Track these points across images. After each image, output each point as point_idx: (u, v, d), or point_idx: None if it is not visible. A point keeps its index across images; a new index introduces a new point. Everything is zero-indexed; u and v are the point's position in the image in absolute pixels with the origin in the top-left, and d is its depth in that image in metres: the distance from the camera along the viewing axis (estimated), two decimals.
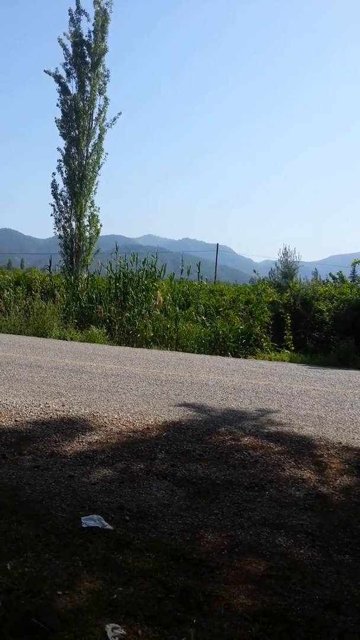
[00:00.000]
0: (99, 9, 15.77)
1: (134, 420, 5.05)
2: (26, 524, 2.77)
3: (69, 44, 15.82)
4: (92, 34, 15.78)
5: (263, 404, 6.28)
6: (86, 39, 15.81)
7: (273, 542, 2.83)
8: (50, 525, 2.79)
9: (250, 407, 6.02)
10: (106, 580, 2.29)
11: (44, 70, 15.83)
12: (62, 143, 16.03)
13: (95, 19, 15.77)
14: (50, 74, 15.83)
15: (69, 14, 15.80)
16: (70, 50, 15.85)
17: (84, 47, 15.81)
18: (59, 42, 15.73)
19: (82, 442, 4.32)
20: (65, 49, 15.83)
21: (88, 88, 15.93)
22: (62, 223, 16.14)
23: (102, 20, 15.81)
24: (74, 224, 16.18)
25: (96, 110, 16.11)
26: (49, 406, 5.34)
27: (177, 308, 13.63)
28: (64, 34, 15.76)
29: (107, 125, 16.09)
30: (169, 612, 2.09)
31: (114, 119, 16.18)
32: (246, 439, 4.66)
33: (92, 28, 15.78)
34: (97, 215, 16.09)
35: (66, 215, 16.13)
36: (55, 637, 1.88)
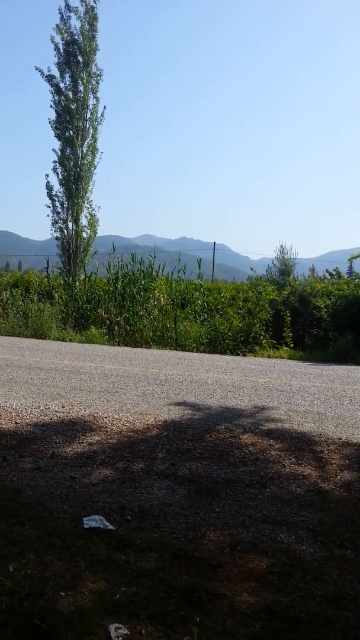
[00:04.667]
0: (86, 6, 15.67)
1: (134, 420, 5.05)
2: (28, 526, 2.77)
3: (60, 42, 15.74)
4: (80, 33, 15.70)
5: (262, 401, 6.29)
6: (77, 37, 15.69)
7: (275, 539, 2.83)
8: (52, 527, 2.79)
9: (249, 405, 6.02)
10: (109, 581, 2.29)
11: (35, 67, 15.76)
12: (57, 144, 16.00)
13: (83, 16, 15.67)
14: (43, 75, 15.76)
15: (59, 12, 15.68)
16: (62, 49, 15.74)
17: (75, 46, 15.70)
18: (51, 40, 15.62)
19: (82, 443, 4.33)
20: (57, 47, 15.72)
21: (81, 88, 15.82)
22: (59, 224, 16.07)
23: (90, 18, 15.70)
24: (70, 225, 16.12)
25: (89, 110, 16.05)
26: (49, 408, 5.34)
27: (176, 307, 13.62)
28: (55, 32, 15.67)
29: (98, 123, 16.05)
30: (172, 611, 2.09)
31: (102, 114, 16.27)
32: (246, 437, 4.67)
33: (80, 26, 15.69)
34: (96, 216, 16.05)
35: (62, 216, 16.07)
36: (59, 638, 1.89)
